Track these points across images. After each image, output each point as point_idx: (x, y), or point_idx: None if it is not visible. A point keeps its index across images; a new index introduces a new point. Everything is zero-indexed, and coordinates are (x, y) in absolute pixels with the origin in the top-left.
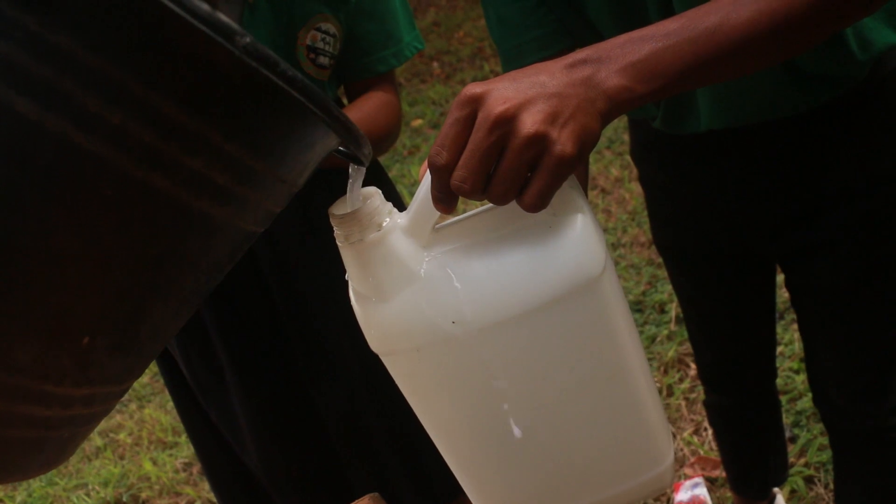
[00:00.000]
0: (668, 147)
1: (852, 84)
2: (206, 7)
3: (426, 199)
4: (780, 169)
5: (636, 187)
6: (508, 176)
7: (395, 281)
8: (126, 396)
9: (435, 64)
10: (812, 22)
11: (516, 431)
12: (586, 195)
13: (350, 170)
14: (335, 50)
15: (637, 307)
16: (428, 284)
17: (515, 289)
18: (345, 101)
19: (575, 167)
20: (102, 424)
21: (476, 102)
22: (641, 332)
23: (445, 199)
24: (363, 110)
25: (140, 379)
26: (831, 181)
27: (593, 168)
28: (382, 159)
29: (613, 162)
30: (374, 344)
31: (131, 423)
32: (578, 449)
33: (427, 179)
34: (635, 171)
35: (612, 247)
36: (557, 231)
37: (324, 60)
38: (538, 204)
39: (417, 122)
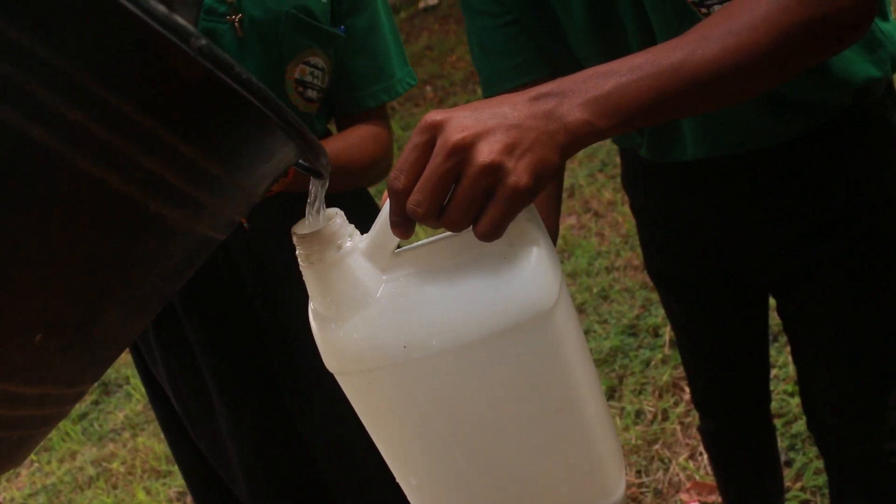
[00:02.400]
0: (655, 175)
1: (836, 112)
2: (162, 9)
3: (386, 223)
4: (767, 197)
5: (629, 210)
6: (463, 203)
7: (352, 302)
8: (119, 425)
9: (428, 88)
10: (778, 61)
11: (463, 459)
12: (558, 219)
13: (311, 185)
14: (323, 83)
15: (631, 331)
16: (383, 308)
17: (466, 317)
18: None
19: (530, 199)
20: (95, 453)
21: (435, 129)
22: (635, 357)
23: (402, 223)
24: (347, 139)
25: (133, 407)
26: (818, 209)
27: (586, 191)
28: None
29: (606, 185)
30: (328, 363)
31: (124, 451)
32: (527, 478)
33: (388, 204)
34: None
35: (606, 270)
36: (512, 263)
37: (312, 94)
38: (491, 233)
39: None
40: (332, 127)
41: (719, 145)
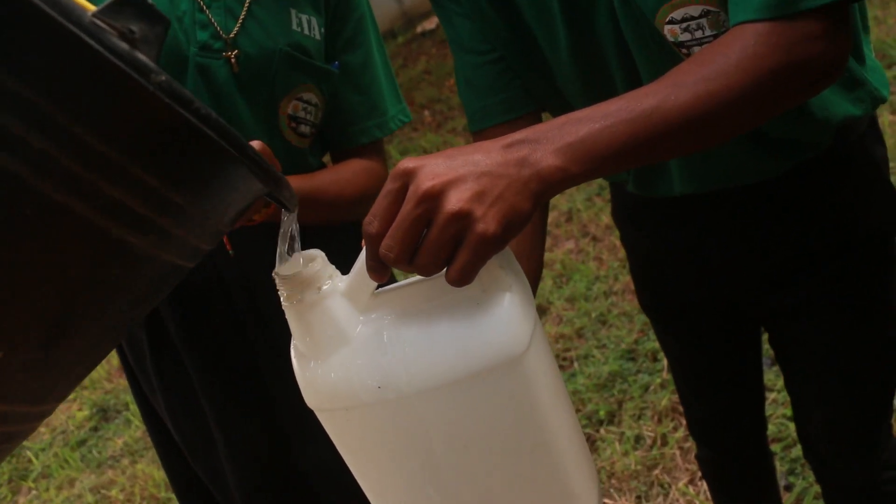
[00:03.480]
0: (643, 210)
1: (819, 149)
2: (124, 46)
3: (363, 266)
4: (754, 232)
5: None
6: (432, 249)
7: (330, 342)
8: (118, 451)
9: (426, 112)
10: (750, 107)
11: (437, 496)
12: (542, 253)
13: (282, 216)
14: (316, 119)
15: (630, 355)
16: (359, 348)
17: (439, 360)
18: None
19: (500, 246)
20: (93, 480)
21: (407, 176)
22: (634, 381)
23: (376, 267)
24: (338, 173)
25: (132, 434)
26: (804, 243)
27: (584, 216)
28: None
29: (604, 209)
30: (307, 399)
31: (123, 478)
32: None
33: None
34: None
35: (605, 295)
36: (484, 308)
37: (305, 129)
38: (461, 279)
39: None
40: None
41: (705, 182)
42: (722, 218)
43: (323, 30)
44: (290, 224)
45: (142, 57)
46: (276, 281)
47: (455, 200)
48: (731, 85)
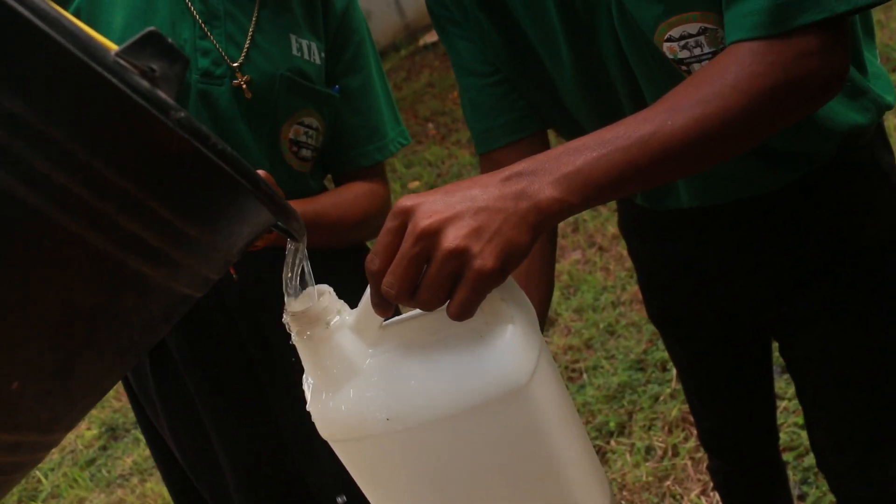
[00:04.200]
0: (651, 222)
1: (825, 160)
2: (146, 84)
3: (369, 301)
4: (763, 243)
5: None
6: (432, 286)
7: (340, 376)
8: (127, 470)
9: (430, 125)
10: (749, 127)
11: None
12: (552, 274)
13: (287, 245)
14: (317, 143)
15: (639, 366)
16: (367, 381)
17: (443, 393)
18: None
19: (498, 280)
20: (103, 499)
21: (406, 215)
22: (644, 392)
23: (380, 303)
24: (340, 196)
25: (141, 452)
26: (813, 255)
27: (590, 226)
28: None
29: (610, 219)
30: (320, 430)
31: (133, 497)
32: None
33: None
34: None
35: (612, 305)
36: (486, 340)
37: (306, 153)
38: (461, 314)
39: (415, 184)
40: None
41: (711, 196)
42: (728, 229)
43: (323, 54)
44: (297, 254)
45: (162, 94)
46: (286, 317)
47: (452, 238)
48: (728, 106)
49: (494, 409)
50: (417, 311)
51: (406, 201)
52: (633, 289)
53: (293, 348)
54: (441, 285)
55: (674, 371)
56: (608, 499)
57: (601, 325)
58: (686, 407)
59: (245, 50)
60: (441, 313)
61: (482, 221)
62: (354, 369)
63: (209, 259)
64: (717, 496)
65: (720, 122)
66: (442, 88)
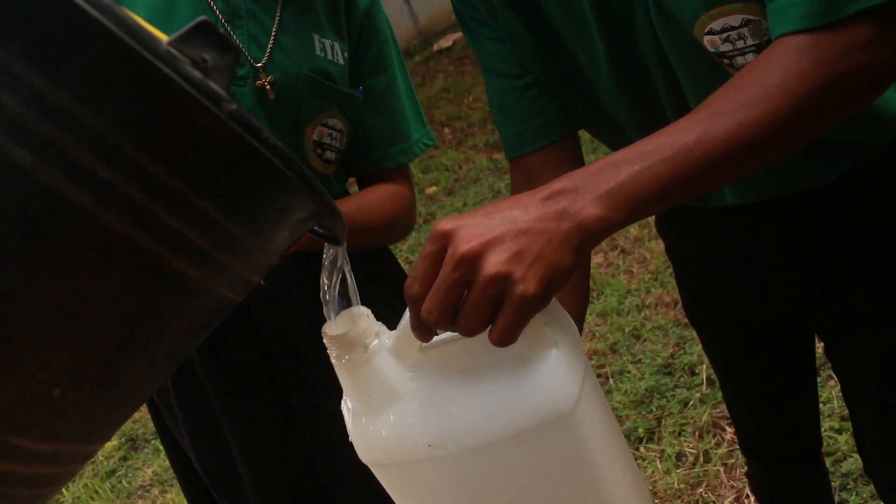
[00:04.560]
0: (691, 221)
1: (877, 151)
2: (198, 74)
3: (408, 325)
4: (810, 240)
5: (657, 245)
6: (473, 312)
7: (380, 400)
8: (148, 481)
9: (446, 130)
10: (797, 129)
11: None
12: (584, 311)
13: (324, 251)
14: (342, 145)
15: (666, 370)
16: (408, 406)
17: (486, 419)
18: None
19: (541, 306)
20: None
21: (445, 238)
22: (672, 397)
23: (420, 328)
24: (365, 199)
25: (161, 463)
26: (863, 250)
27: None
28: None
29: None
30: (361, 455)
31: None
32: None
33: None
34: (654, 231)
35: (637, 308)
36: (529, 366)
37: (330, 155)
38: (504, 340)
39: (432, 190)
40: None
41: (756, 193)
42: (774, 226)
43: (346, 54)
44: (336, 261)
45: (214, 85)
46: (325, 340)
47: (493, 263)
48: (774, 109)
49: (539, 435)
50: (455, 334)
51: (445, 224)
52: (658, 292)
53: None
54: (482, 311)
55: (703, 375)
56: None
57: (626, 329)
58: (717, 412)
59: (268, 50)
60: (483, 337)
61: (524, 245)
62: (395, 394)
63: (252, 260)
64: (752, 502)
65: (766, 127)
66: (457, 93)
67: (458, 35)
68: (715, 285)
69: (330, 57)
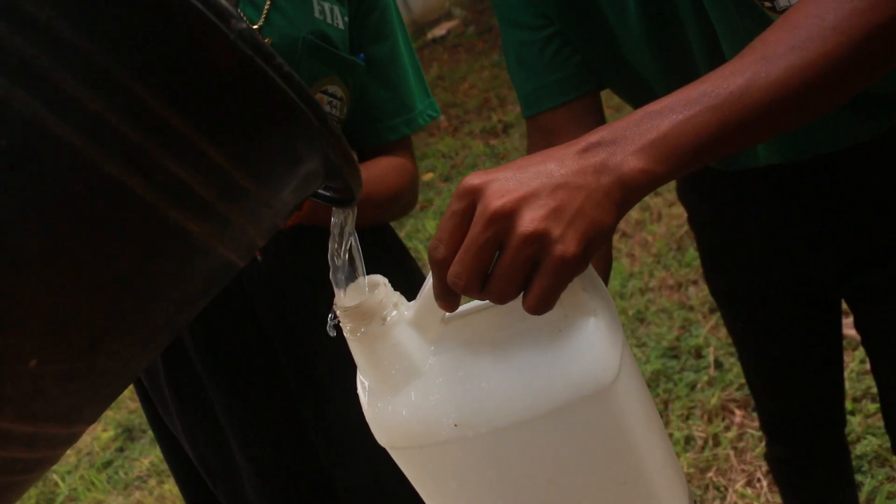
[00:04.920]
0: (719, 185)
1: None
2: None
3: (430, 293)
4: (846, 204)
5: (658, 229)
6: (506, 275)
7: (399, 376)
8: (145, 471)
9: (442, 117)
10: (854, 73)
11: None
12: (607, 279)
13: (333, 216)
14: (342, 114)
15: (672, 353)
16: (431, 383)
17: (519, 395)
18: None
19: (581, 267)
20: (121, 501)
21: (474, 194)
22: (680, 380)
23: (445, 295)
24: (368, 171)
25: (158, 453)
26: None
27: None
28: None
29: None
30: (378, 437)
31: (151, 499)
32: None
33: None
34: (656, 213)
35: (640, 292)
36: (566, 335)
37: None
38: (540, 307)
39: (428, 176)
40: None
41: (793, 151)
42: (807, 189)
43: (346, 19)
44: (345, 226)
45: (223, 0)
46: (338, 314)
47: (529, 220)
48: (829, 52)
49: (577, 412)
50: (481, 303)
51: (474, 179)
52: (661, 274)
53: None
54: (516, 274)
55: (710, 357)
56: (689, 499)
57: (630, 313)
58: (725, 394)
59: (265, 12)
60: (512, 306)
61: (561, 200)
62: (416, 370)
63: (258, 217)
64: (765, 486)
65: (821, 70)
66: (452, 81)
67: (452, 23)
68: (741, 254)
69: (329, 21)
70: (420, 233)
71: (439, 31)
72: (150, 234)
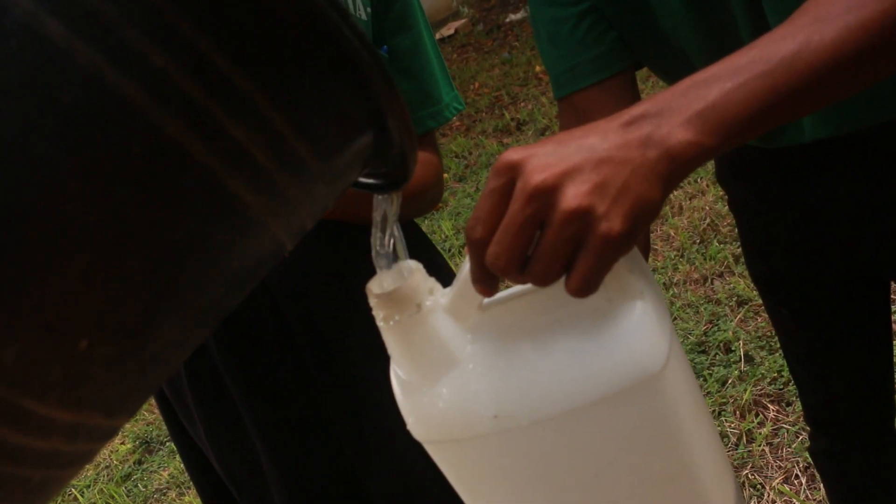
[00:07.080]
0: (762, 164)
1: None
2: None
3: (467, 278)
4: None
5: (680, 222)
6: (547, 255)
7: (435, 366)
8: (164, 484)
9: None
10: None
11: None
12: (648, 252)
13: (374, 203)
14: None
15: (701, 348)
16: (469, 373)
17: (563, 384)
18: None
19: (628, 247)
20: None
21: (514, 170)
22: (710, 375)
23: (483, 278)
24: None
25: (177, 465)
26: None
27: None
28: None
29: None
30: (413, 431)
31: None
32: None
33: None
34: (677, 206)
35: (664, 286)
36: (612, 320)
37: None
38: (584, 289)
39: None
40: None
41: (844, 122)
42: (858, 165)
43: (369, 10)
44: (392, 209)
45: None
46: (370, 301)
47: (572, 196)
48: (889, 9)
49: (624, 401)
50: (520, 288)
51: (512, 154)
52: (685, 268)
53: (349, 342)
54: (559, 254)
55: (740, 351)
56: (739, 498)
57: None
58: (757, 389)
59: None
60: (553, 290)
61: (606, 175)
62: (453, 359)
63: (312, 195)
64: (804, 482)
65: (880, 30)
66: (463, 80)
67: (460, 23)
68: (785, 237)
69: (352, 11)
70: (436, 234)
71: (447, 30)
72: (207, 204)
